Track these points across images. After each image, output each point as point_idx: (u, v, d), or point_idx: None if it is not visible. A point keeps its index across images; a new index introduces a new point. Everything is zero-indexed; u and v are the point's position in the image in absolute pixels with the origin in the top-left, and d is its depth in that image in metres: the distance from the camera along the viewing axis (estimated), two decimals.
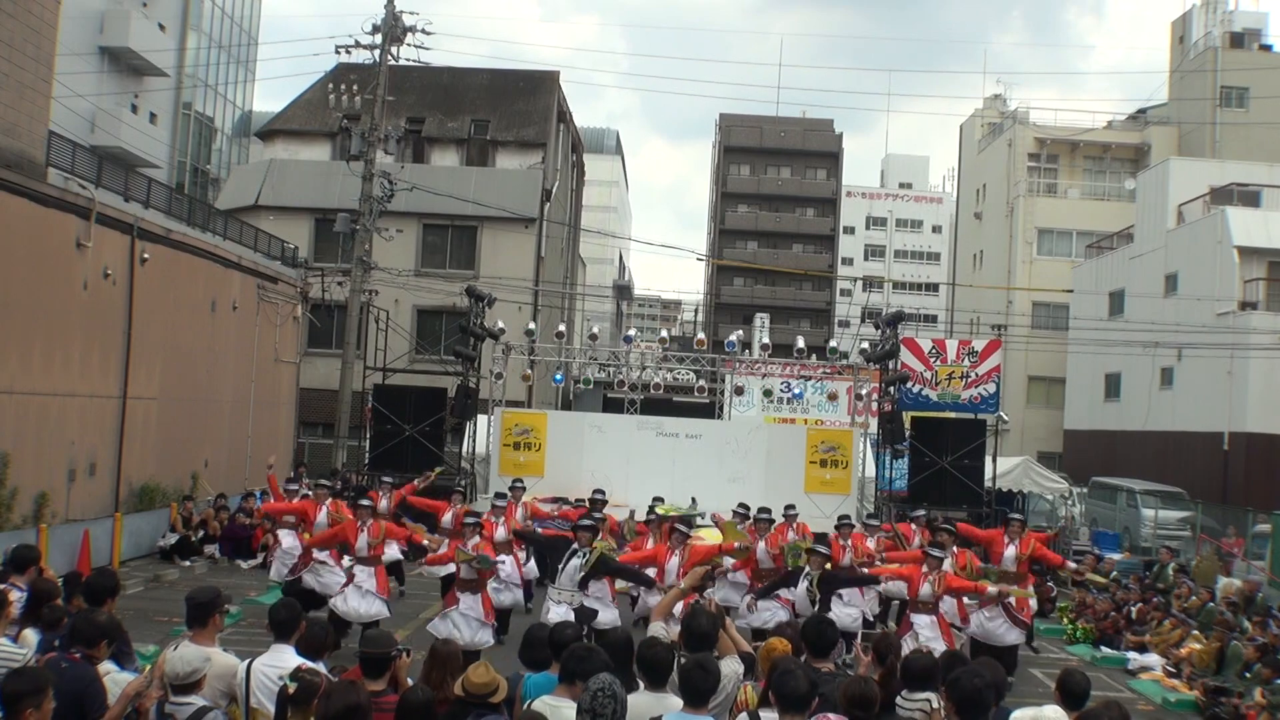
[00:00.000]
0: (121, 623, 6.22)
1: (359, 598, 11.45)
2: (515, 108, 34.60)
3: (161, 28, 36.38)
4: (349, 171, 24.93)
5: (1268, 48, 41.02)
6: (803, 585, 10.50)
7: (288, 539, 13.54)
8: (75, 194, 15.75)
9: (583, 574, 9.95)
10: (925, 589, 10.52)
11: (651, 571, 10.88)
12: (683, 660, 5.06)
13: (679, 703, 4.81)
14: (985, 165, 47.51)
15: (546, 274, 33.03)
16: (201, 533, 18.04)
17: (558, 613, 9.52)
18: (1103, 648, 15.01)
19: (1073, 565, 14.12)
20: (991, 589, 10.80)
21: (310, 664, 5.41)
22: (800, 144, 68.99)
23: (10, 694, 4.47)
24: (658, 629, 6.15)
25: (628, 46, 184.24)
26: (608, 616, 10.50)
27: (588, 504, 13.76)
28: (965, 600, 11.25)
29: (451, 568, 14.22)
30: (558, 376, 26.15)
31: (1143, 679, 13.46)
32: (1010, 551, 11.64)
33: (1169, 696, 12.54)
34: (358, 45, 24.48)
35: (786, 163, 69.38)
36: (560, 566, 10.23)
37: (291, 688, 4.94)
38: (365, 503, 12.28)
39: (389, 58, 24.64)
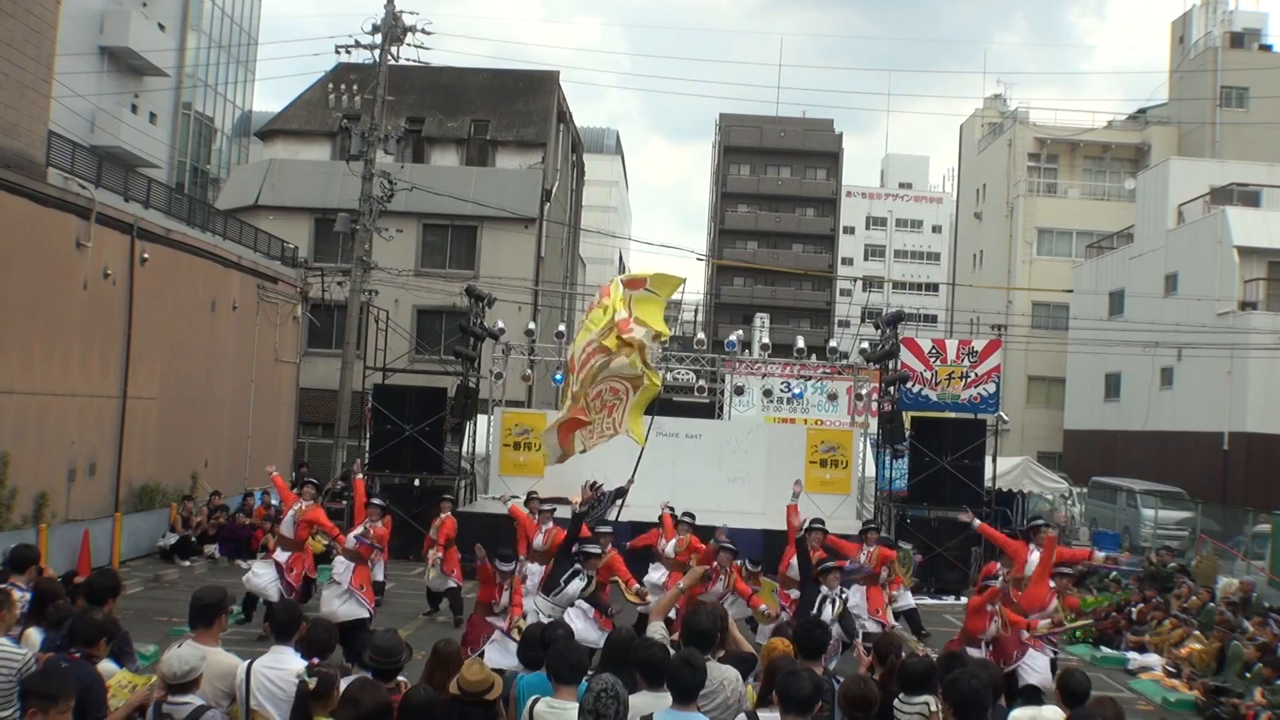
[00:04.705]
0: (120, 621, 6.23)
1: (336, 598, 11.15)
2: (515, 108, 34.61)
3: (161, 28, 36.37)
4: (349, 171, 24.92)
5: (1268, 48, 41.03)
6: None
7: (281, 555, 12.56)
8: (75, 194, 15.76)
9: (581, 597, 9.98)
10: (992, 628, 9.85)
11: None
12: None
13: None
14: (985, 165, 47.52)
15: (546, 274, 33.02)
16: (199, 532, 18.04)
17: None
18: (1103, 648, 15.02)
19: (1100, 555, 13.92)
20: (1042, 624, 10.06)
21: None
22: (800, 144, 69.02)
23: (25, 690, 4.49)
24: (656, 629, 6.15)
25: (628, 47, 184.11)
26: (591, 635, 10.43)
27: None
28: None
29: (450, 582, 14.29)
30: (557, 377, 26.12)
31: (1143, 679, 13.47)
32: (1033, 556, 11.27)
33: (1169, 696, 12.55)
34: (358, 45, 24.47)
35: (786, 163, 69.40)
36: (561, 581, 10.15)
37: (311, 683, 4.95)
38: (377, 502, 12.40)
39: (389, 58, 24.63)
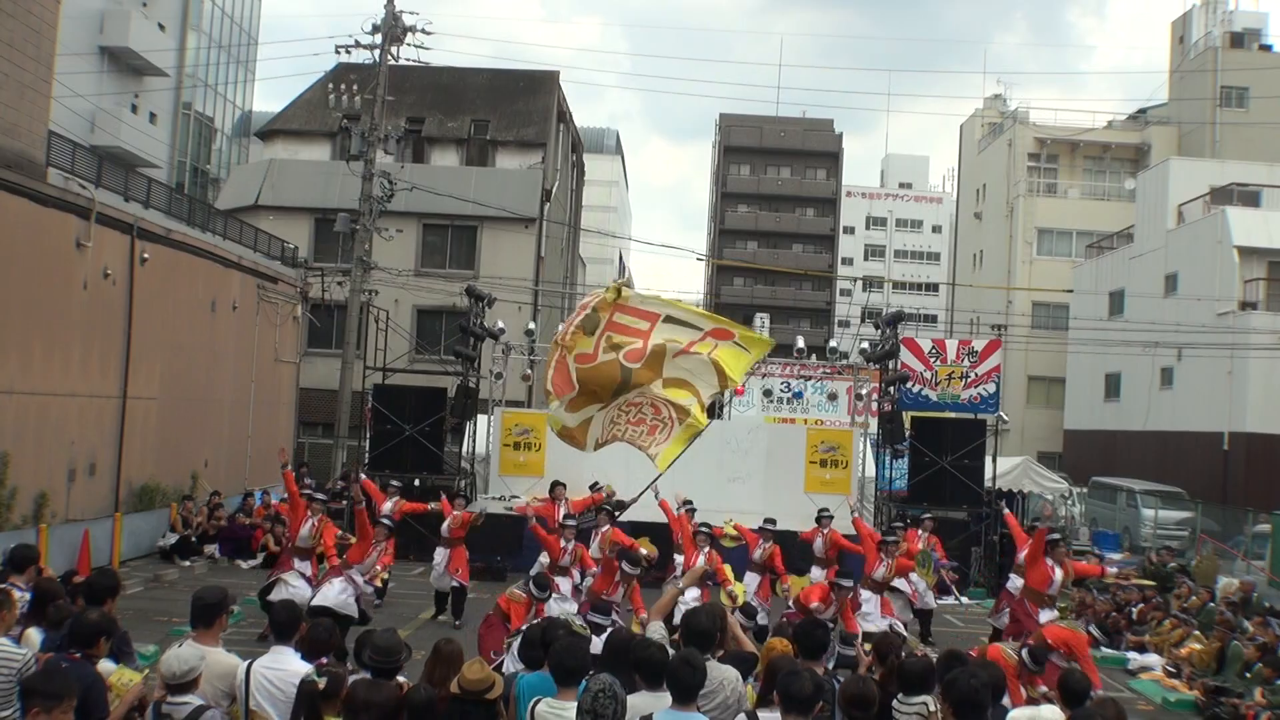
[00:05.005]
0: (119, 621, 6.22)
1: (341, 592, 11.28)
2: (515, 108, 34.61)
3: (161, 28, 36.38)
4: (349, 171, 24.89)
5: (1268, 48, 41.04)
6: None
7: (303, 566, 12.41)
8: (75, 194, 15.75)
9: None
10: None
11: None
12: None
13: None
14: (985, 165, 47.52)
15: (546, 274, 33.01)
16: (199, 532, 18.03)
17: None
18: (1103, 648, 15.00)
19: (1112, 570, 14.17)
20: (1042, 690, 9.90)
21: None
22: (800, 144, 69.02)
23: (29, 690, 4.49)
24: (654, 629, 6.15)
25: (629, 47, 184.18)
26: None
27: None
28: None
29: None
30: None
31: (1143, 679, 13.47)
32: (1057, 576, 11.43)
33: (1169, 696, 12.55)
34: (358, 45, 24.42)
35: (786, 163, 69.40)
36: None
37: (320, 683, 4.94)
38: (386, 521, 12.45)
39: (389, 58, 24.61)
